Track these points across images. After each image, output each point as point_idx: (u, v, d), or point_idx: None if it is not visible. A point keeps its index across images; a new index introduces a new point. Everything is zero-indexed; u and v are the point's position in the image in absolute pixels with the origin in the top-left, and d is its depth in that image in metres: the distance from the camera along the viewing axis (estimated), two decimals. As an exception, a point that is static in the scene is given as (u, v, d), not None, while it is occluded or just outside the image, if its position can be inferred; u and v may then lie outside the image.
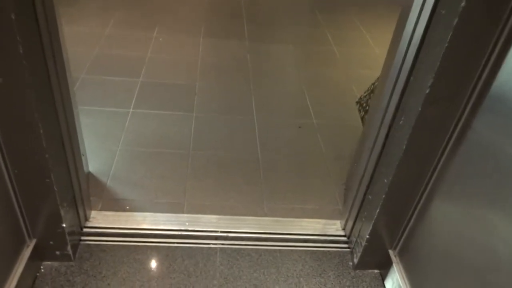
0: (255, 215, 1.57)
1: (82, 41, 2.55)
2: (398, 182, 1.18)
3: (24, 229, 1.21)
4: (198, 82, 2.32)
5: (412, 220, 1.27)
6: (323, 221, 1.57)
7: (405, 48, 1.07)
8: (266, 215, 1.57)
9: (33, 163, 1.06)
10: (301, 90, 2.37)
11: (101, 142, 1.81)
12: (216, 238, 1.45)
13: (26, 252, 1.21)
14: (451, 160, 1.09)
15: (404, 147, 1.10)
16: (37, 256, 1.27)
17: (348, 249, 1.48)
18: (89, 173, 1.63)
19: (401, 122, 1.12)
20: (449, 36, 0.91)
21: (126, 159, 1.74)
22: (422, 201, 1.22)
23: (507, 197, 0.88)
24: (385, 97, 1.18)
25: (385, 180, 1.20)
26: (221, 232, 1.47)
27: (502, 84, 0.92)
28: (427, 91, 0.99)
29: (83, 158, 1.42)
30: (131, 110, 2.03)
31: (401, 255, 1.34)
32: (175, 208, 1.55)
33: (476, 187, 0.99)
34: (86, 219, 1.43)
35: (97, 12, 2.96)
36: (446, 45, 0.92)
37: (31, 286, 1.24)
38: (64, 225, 1.22)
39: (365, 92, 2.27)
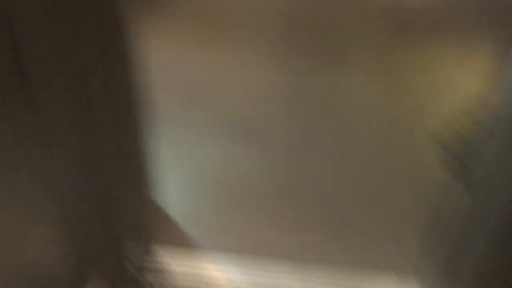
0: (328, 263, 1.44)
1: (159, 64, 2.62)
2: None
3: (85, 260, 1.19)
4: (277, 118, 2.27)
5: None
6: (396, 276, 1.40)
7: None
8: (340, 264, 1.44)
9: (96, 184, 1.04)
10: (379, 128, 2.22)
11: (170, 175, 1.79)
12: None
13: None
14: None
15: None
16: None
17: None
18: (157, 208, 1.60)
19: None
20: None
21: (194, 193, 1.70)
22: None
23: None
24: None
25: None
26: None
27: None
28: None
29: (150, 190, 1.40)
30: (204, 142, 2.01)
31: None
32: (243, 249, 1.47)
33: None
34: (150, 255, 1.39)
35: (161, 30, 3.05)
36: None
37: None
38: (126, 253, 1.18)
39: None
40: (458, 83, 2.46)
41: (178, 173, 1.82)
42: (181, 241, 1.48)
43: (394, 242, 1.55)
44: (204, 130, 2.10)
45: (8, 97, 0.77)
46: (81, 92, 0.88)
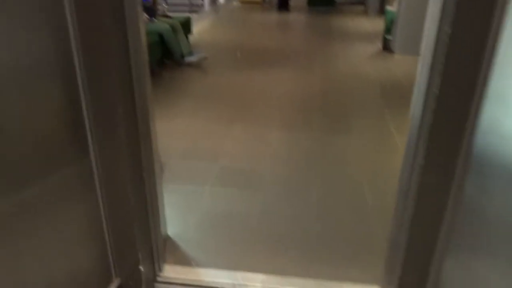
0: (301, 276, 1.77)
1: (175, 134, 3.10)
2: (415, 235, 1.36)
3: (112, 268, 1.56)
4: (268, 168, 2.68)
5: (432, 275, 1.40)
6: (363, 286, 1.72)
7: (411, 136, 1.33)
8: (310, 277, 1.76)
9: (123, 214, 1.45)
10: (359, 175, 2.60)
11: (181, 212, 2.19)
12: (264, 293, 1.68)
13: (112, 288, 1.56)
14: (454, 221, 1.26)
15: (414, 200, 1.30)
16: (120, 293, 1.60)
17: (384, 312, 1.60)
18: (167, 236, 1.98)
19: (412, 178, 1.34)
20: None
21: (199, 226, 2.09)
22: (439, 256, 1.36)
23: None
24: (402, 167, 1.42)
25: (405, 234, 1.38)
26: (269, 288, 1.69)
27: (479, 148, 1.12)
28: (423, 163, 1.23)
29: (161, 222, 1.79)
30: (208, 188, 2.42)
31: (429, 316, 1.44)
32: (232, 266, 1.81)
33: (473, 246, 1.14)
34: (160, 270, 1.75)
35: (189, 112, 3.57)
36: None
37: (113, 318, 1.56)
38: (141, 268, 1.55)
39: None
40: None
41: (183, 212, 2.22)
42: (184, 262, 1.84)
43: (355, 258, 1.89)
44: (212, 176, 2.53)
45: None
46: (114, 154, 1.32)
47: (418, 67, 1.30)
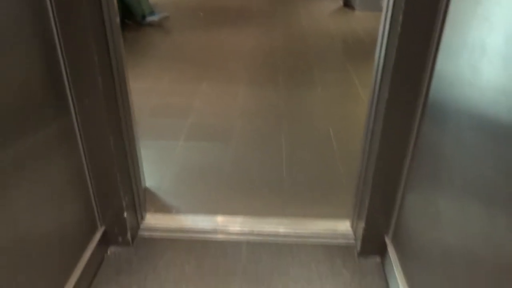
0: (277, 216, 1.88)
1: (143, 94, 3.10)
2: (380, 171, 1.48)
3: (97, 218, 1.62)
4: (237, 122, 2.75)
5: (397, 207, 1.54)
6: (334, 221, 1.85)
7: (375, 73, 1.43)
8: (286, 217, 1.88)
9: (104, 162, 1.49)
10: (326, 125, 2.72)
11: (156, 166, 2.24)
12: (243, 234, 1.78)
13: (97, 237, 1.61)
14: (414, 159, 1.38)
15: (379, 141, 1.42)
16: (105, 241, 1.66)
17: (354, 242, 1.75)
18: (145, 188, 2.04)
19: (377, 122, 1.45)
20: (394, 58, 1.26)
21: (175, 177, 2.15)
22: (402, 190, 1.50)
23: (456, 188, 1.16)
24: (368, 108, 1.52)
25: (371, 171, 1.51)
26: (247, 229, 1.80)
27: (434, 94, 1.23)
28: (387, 97, 1.33)
29: (141, 173, 1.84)
30: (180, 142, 2.48)
31: (394, 240, 1.59)
32: (211, 211, 1.91)
33: (432, 179, 1.27)
34: (142, 218, 1.82)
35: (154, 72, 3.55)
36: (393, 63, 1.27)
37: (99, 264, 1.62)
38: (125, 215, 1.62)
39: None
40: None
41: (159, 165, 2.28)
42: (164, 210, 1.92)
43: (325, 198, 2.02)
44: (183, 132, 2.58)
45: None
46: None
47: (380, 21, 1.39)
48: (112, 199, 1.59)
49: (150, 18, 4.67)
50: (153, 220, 1.84)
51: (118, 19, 1.43)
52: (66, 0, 1.21)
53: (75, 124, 1.40)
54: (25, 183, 1.14)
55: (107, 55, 1.37)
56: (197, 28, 4.85)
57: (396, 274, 1.47)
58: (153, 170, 2.20)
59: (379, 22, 1.39)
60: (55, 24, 1.24)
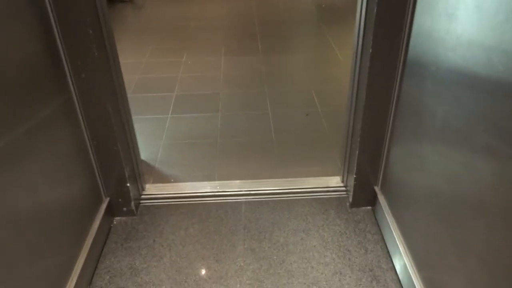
0: (271, 178, 1.98)
1: (126, 70, 3.10)
2: (367, 125, 1.58)
3: (101, 189, 1.68)
4: (222, 90, 2.80)
5: (384, 159, 1.65)
6: (325, 177, 1.97)
7: (357, 30, 1.51)
8: (280, 178, 1.98)
9: (105, 134, 1.54)
10: (307, 87, 2.80)
11: (148, 139, 2.30)
12: (241, 195, 1.88)
13: (103, 208, 1.68)
14: (397, 112, 1.48)
15: (365, 95, 1.51)
16: (110, 212, 1.73)
17: (346, 195, 1.87)
18: (141, 160, 2.10)
19: (361, 78, 1.54)
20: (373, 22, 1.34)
21: (168, 149, 2.22)
22: (387, 143, 1.61)
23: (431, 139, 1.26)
24: (352, 67, 1.61)
25: (359, 126, 1.61)
26: (245, 191, 1.89)
27: (413, 48, 1.32)
28: (370, 51, 1.41)
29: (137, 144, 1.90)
30: (169, 115, 2.53)
31: (383, 189, 1.71)
32: (208, 178, 1.99)
33: (416, 128, 1.37)
34: (143, 189, 1.89)
35: (132, 47, 3.54)
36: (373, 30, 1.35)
37: (107, 234, 1.70)
38: (128, 185, 1.68)
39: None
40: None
41: (150, 138, 2.33)
42: (163, 180, 1.99)
43: (314, 158, 2.13)
44: (170, 105, 2.63)
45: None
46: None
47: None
48: (115, 171, 1.65)
49: (121, -6, 4.59)
50: (154, 190, 1.91)
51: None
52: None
53: (75, 99, 1.44)
54: (37, 156, 1.19)
55: (99, 28, 1.41)
56: (169, 2, 4.80)
57: (388, 218, 1.59)
58: (146, 143, 2.26)
59: None
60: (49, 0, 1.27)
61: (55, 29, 1.31)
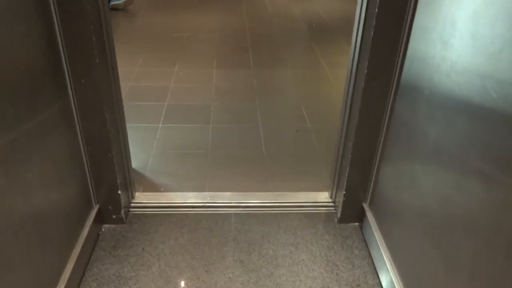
0: (261, 191, 2.00)
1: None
2: (358, 143, 1.62)
3: (92, 196, 1.68)
4: (213, 103, 2.83)
5: (374, 176, 1.69)
6: (314, 193, 2.00)
7: (353, 51, 1.56)
8: (269, 191, 2.01)
9: (100, 141, 1.55)
10: (298, 103, 2.85)
11: (139, 148, 2.30)
12: (231, 207, 1.89)
13: (92, 214, 1.67)
14: (388, 132, 1.53)
15: (358, 114, 1.55)
16: (99, 219, 1.72)
17: (334, 210, 1.90)
18: (132, 168, 2.10)
19: (355, 98, 1.58)
20: (371, 40, 1.39)
21: (159, 158, 2.22)
22: (377, 161, 1.65)
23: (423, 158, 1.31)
24: (346, 86, 1.65)
25: (350, 144, 1.65)
26: (235, 203, 1.91)
27: (407, 71, 1.37)
28: (365, 72, 1.46)
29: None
30: (160, 125, 2.53)
31: (372, 206, 1.75)
32: (198, 188, 2.00)
33: (407, 148, 1.42)
34: (132, 197, 1.89)
35: (125, 56, 3.55)
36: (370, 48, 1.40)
37: (96, 241, 1.69)
38: (119, 192, 1.68)
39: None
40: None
41: (141, 147, 2.34)
42: (153, 189, 1.99)
43: (304, 173, 2.16)
44: (161, 114, 2.65)
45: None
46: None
47: (357, 3, 1.51)
48: (107, 178, 1.65)
49: (114, 2, 4.61)
50: (143, 198, 1.91)
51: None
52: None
53: (72, 104, 1.45)
54: (32, 159, 1.19)
55: (102, 36, 1.42)
56: (162, 12, 4.83)
57: (375, 235, 1.63)
58: (137, 152, 2.26)
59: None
60: (54, 4, 1.28)
61: (58, 35, 1.32)
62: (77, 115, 1.48)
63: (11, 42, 1.08)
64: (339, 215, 1.83)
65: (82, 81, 1.41)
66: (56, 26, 1.30)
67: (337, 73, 3.32)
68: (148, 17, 4.65)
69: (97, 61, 1.39)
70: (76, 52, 1.36)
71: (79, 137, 1.53)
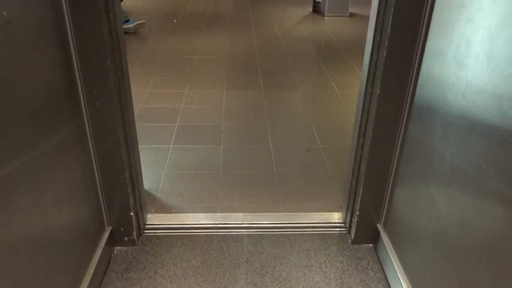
0: (273, 211, 1.99)
1: (128, 99, 3.14)
2: (371, 164, 1.61)
3: (105, 218, 1.68)
4: (223, 123, 2.84)
5: (388, 197, 1.68)
6: (327, 213, 1.98)
7: (366, 72, 1.56)
8: (282, 211, 1.99)
9: (113, 162, 1.55)
10: (308, 123, 2.85)
11: (150, 168, 2.30)
12: (243, 228, 1.88)
13: (105, 236, 1.67)
14: (401, 153, 1.52)
15: (371, 135, 1.55)
16: (111, 241, 1.72)
17: (347, 231, 1.87)
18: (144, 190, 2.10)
19: (368, 119, 1.58)
20: (384, 59, 1.39)
21: (170, 179, 2.22)
22: (391, 182, 1.64)
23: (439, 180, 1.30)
24: (358, 107, 1.65)
25: (363, 165, 1.64)
26: (247, 224, 1.90)
27: (419, 96, 1.37)
28: (379, 92, 1.46)
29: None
30: (171, 146, 2.54)
31: (386, 227, 1.72)
32: (210, 209, 1.99)
33: (421, 170, 1.41)
34: (144, 219, 1.88)
35: (135, 78, 3.59)
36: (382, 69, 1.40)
37: (108, 263, 1.68)
38: (132, 214, 1.68)
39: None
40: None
41: (152, 168, 2.34)
42: (165, 210, 1.98)
43: (316, 193, 2.14)
44: (172, 135, 2.65)
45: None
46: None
47: (369, 25, 1.52)
48: (120, 199, 1.65)
49: (125, 26, 4.69)
50: (155, 220, 1.90)
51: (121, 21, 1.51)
52: (81, 7, 1.28)
53: (87, 126, 1.46)
54: (48, 181, 1.20)
55: (116, 59, 1.44)
56: (173, 35, 4.91)
57: (391, 256, 1.60)
58: (148, 173, 2.26)
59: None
60: (70, 27, 1.30)
61: (74, 58, 1.34)
62: (90, 137, 1.49)
63: (31, 65, 1.10)
64: (352, 236, 1.81)
65: (97, 103, 1.43)
66: (72, 48, 1.33)
67: (347, 93, 3.33)
68: (158, 40, 4.73)
69: (112, 83, 1.41)
70: (91, 74, 1.38)
71: (93, 158, 1.53)
